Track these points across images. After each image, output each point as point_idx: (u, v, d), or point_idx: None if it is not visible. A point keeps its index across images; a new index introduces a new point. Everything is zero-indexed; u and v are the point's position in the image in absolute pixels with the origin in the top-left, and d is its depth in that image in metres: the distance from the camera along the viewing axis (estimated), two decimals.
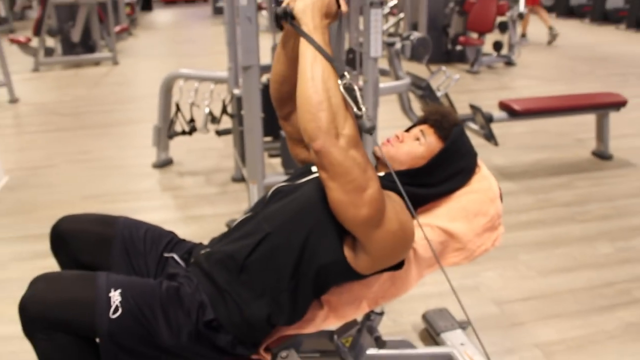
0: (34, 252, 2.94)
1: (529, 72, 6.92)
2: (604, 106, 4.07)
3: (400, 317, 2.49)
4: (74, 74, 7.50)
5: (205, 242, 1.81)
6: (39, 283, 1.42)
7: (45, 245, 1.78)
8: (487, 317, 2.51)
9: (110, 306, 1.40)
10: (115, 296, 1.42)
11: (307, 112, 1.35)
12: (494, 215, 1.72)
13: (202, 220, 3.34)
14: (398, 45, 3.51)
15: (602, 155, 4.28)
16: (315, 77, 1.35)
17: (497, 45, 7.19)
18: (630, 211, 3.50)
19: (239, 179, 3.86)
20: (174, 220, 3.32)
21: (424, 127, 1.75)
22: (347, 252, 1.58)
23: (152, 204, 3.53)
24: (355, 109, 1.34)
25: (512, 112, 3.85)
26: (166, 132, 3.97)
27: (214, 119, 3.81)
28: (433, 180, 1.72)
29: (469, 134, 4.41)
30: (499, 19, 7.35)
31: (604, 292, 2.70)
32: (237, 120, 3.42)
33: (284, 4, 1.46)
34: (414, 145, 1.71)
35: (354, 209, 1.37)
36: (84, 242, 1.74)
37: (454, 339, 2.24)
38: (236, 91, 3.45)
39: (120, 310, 1.40)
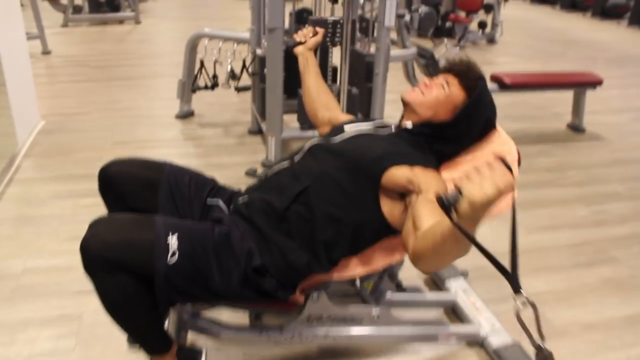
0: (72, 191, 2.79)
1: (509, 50, 6.75)
2: (582, 84, 3.95)
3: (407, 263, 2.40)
4: (100, 31, 7.19)
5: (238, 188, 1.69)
6: (100, 225, 1.29)
7: (83, 184, 1.65)
8: (483, 267, 2.42)
9: (168, 250, 1.28)
10: (173, 240, 1.30)
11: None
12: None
13: (221, 168, 3.20)
14: (407, 17, 3.34)
15: (576, 128, 4.18)
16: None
17: (482, 24, 6.98)
18: (603, 179, 3.42)
19: (255, 131, 3.71)
20: (196, 166, 3.11)
21: (449, 76, 1.61)
22: (385, 209, 1.47)
23: (176, 151, 3.38)
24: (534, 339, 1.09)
25: (503, 85, 3.73)
26: (190, 86, 3.79)
27: (234, 76, 3.64)
28: (458, 132, 1.60)
29: None
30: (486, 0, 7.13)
31: (583, 249, 2.63)
32: (258, 78, 3.25)
33: (453, 191, 1.04)
34: (439, 92, 1.58)
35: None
36: (132, 184, 1.60)
37: (456, 285, 2.16)
38: (259, 51, 3.27)
39: (177, 255, 1.28)
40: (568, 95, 4.16)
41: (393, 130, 1.64)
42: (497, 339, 1.91)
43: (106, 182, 1.62)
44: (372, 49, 3.11)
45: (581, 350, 2.00)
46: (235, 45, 3.55)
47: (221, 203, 1.61)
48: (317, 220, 1.45)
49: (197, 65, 3.71)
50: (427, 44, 5.14)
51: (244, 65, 3.62)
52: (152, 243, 1.27)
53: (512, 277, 1.06)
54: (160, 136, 3.60)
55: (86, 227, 1.29)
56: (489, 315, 2.02)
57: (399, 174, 1.44)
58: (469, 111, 1.58)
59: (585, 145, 3.94)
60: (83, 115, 3.92)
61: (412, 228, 1.30)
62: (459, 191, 1.02)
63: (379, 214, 1.47)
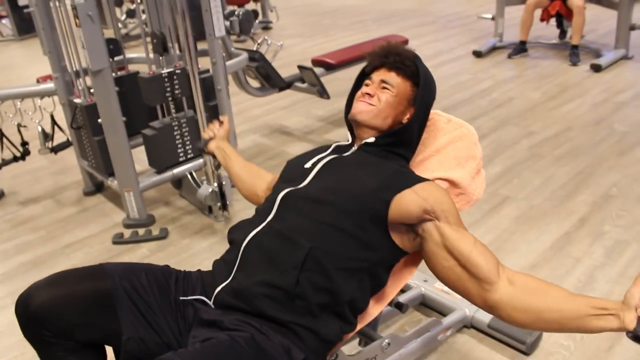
0: None
1: (288, 32, 6.85)
2: None
3: None
4: None
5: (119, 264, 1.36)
6: None
7: None
8: None
9: None
10: None
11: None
12: (480, 157, 1.56)
13: (81, 245, 2.68)
14: (226, 23, 3.12)
15: None
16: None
17: (255, 13, 6.95)
18: None
19: (92, 191, 3.18)
20: (50, 255, 2.62)
21: (382, 72, 1.46)
22: (397, 240, 1.32)
23: (11, 245, 2.73)
24: None
25: (328, 66, 3.73)
26: None
27: (47, 137, 3.07)
28: (419, 126, 1.50)
29: (299, 95, 4.29)
30: None
31: (482, 199, 2.72)
32: (89, 129, 2.76)
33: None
34: (386, 95, 1.44)
35: None
36: (73, 312, 1.22)
37: (415, 279, 2.09)
38: (77, 100, 2.78)
39: None
40: None
41: (355, 149, 1.47)
42: (484, 313, 1.90)
43: (33, 323, 1.21)
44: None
45: None
46: (39, 101, 2.97)
47: (206, 299, 1.29)
48: (336, 282, 1.23)
49: None
50: (247, 45, 4.94)
51: (53, 122, 3.06)
52: None
53: None
54: None
55: None
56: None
57: (405, 202, 1.27)
58: (424, 98, 1.46)
59: None
60: None
61: (467, 274, 1.24)
62: None
63: (392, 246, 1.31)
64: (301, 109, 4.26)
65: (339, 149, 1.48)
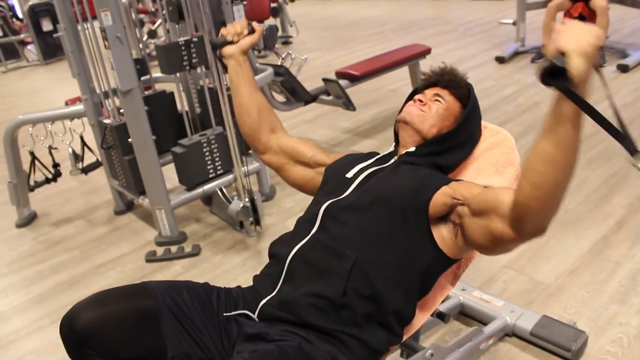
0: None
1: (308, 46, 6.89)
2: (415, 57, 4.12)
3: None
4: None
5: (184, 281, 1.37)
6: None
7: None
8: None
9: None
10: None
11: (552, 203, 1.06)
12: (518, 163, 1.55)
13: (115, 264, 2.71)
14: None
15: None
16: (573, 163, 1.03)
17: (275, 28, 7.01)
18: None
19: (122, 210, 3.22)
20: (85, 275, 2.65)
21: (437, 89, 1.50)
22: (438, 240, 1.30)
23: (47, 266, 2.77)
24: None
25: (353, 78, 3.73)
26: (26, 185, 3.16)
27: (77, 158, 3.11)
28: (459, 142, 1.49)
29: (323, 108, 4.30)
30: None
31: None
32: (119, 149, 2.80)
33: (552, 54, 0.94)
34: (438, 106, 1.47)
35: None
36: (117, 330, 1.22)
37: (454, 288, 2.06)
38: (107, 121, 2.82)
39: None
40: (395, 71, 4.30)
41: (396, 159, 1.47)
42: (525, 320, 1.87)
43: (79, 342, 1.21)
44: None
45: (585, 297, 2.04)
46: (69, 122, 3.02)
47: (250, 313, 1.29)
48: (382, 292, 1.23)
49: (28, 158, 3.09)
50: (272, 60, 5.01)
51: (83, 143, 3.11)
52: None
53: (628, 140, 0.97)
54: (14, 254, 2.93)
55: None
56: (499, 302, 1.97)
57: (441, 195, 1.28)
58: (469, 119, 1.48)
59: None
60: None
61: (491, 214, 1.17)
62: (560, 54, 0.92)
63: (436, 250, 1.30)
64: (326, 121, 4.27)
65: (380, 160, 1.48)
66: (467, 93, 1.49)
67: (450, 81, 1.50)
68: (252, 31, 1.54)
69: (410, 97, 1.56)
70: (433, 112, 1.45)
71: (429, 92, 1.50)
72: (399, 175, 1.36)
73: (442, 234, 1.30)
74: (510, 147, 1.55)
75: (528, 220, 1.08)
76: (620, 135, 0.96)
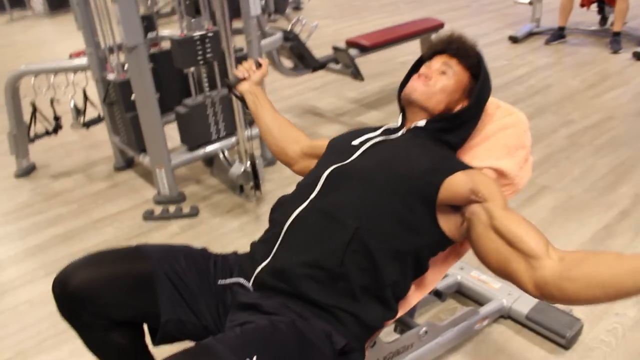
0: None
1: (319, 13, 6.77)
2: (427, 30, 4.04)
3: None
4: None
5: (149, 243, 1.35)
6: None
7: None
8: None
9: None
10: None
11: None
12: (529, 146, 1.51)
13: (112, 220, 2.69)
14: (262, 1, 3.08)
15: None
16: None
17: None
18: None
19: (123, 167, 3.19)
20: (82, 229, 2.63)
21: (444, 58, 1.44)
22: (443, 225, 1.27)
23: (44, 218, 2.76)
24: None
25: (363, 48, 3.66)
26: (26, 136, 3.12)
27: (79, 112, 3.07)
28: (470, 117, 1.45)
29: (330, 76, 4.24)
30: None
31: None
32: (121, 106, 2.75)
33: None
34: (444, 80, 1.41)
35: None
36: (112, 291, 1.20)
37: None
38: (110, 76, 2.77)
39: None
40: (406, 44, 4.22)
41: (404, 132, 1.43)
42: (521, 303, 1.86)
43: (71, 303, 1.20)
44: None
45: None
46: (73, 76, 2.97)
47: (243, 280, 1.26)
48: (380, 264, 1.20)
49: (29, 110, 3.05)
50: (281, 24, 4.91)
51: (85, 97, 3.06)
52: None
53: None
54: (11, 205, 2.91)
55: None
56: (497, 284, 1.95)
57: (456, 184, 1.24)
58: (482, 93, 1.43)
59: None
60: None
61: (514, 252, 1.14)
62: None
63: (439, 231, 1.27)
64: (333, 90, 4.21)
65: (388, 131, 1.44)
66: (476, 63, 1.43)
67: (458, 49, 1.43)
68: (259, 65, 1.69)
69: (415, 66, 1.51)
70: (439, 88, 1.39)
71: (436, 61, 1.43)
72: (410, 151, 1.32)
73: (448, 219, 1.27)
74: (524, 129, 1.50)
75: (553, 300, 1.10)
76: None
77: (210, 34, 2.55)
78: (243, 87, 1.65)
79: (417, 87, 1.39)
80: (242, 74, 1.66)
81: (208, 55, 2.58)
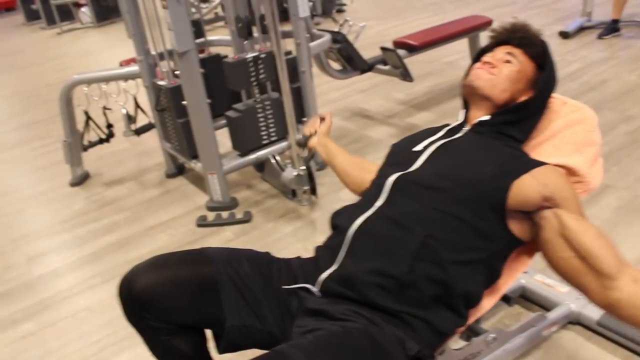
0: None
1: (362, 15, 6.72)
2: (475, 29, 3.95)
3: None
4: None
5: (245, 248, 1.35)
6: None
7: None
8: None
9: None
10: None
11: None
12: (599, 143, 1.44)
13: (165, 227, 2.71)
14: (309, 3, 3.06)
15: None
16: None
17: None
18: None
19: (174, 173, 3.22)
20: (137, 236, 2.66)
21: (509, 48, 1.39)
22: (515, 229, 1.22)
23: (100, 225, 2.80)
24: None
25: (411, 48, 3.60)
26: (80, 144, 3.19)
27: (130, 119, 3.11)
28: (536, 109, 1.39)
29: (378, 78, 4.20)
30: None
31: None
32: (173, 112, 2.77)
33: None
34: (510, 67, 1.36)
35: None
36: (175, 295, 1.19)
37: None
38: (161, 82, 2.79)
39: None
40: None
41: (467, 129, 1.38)
42: (592, 309, 1.77)
43: (137, 305, 1.19)
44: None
45: None
46: (123, 83, 3.01)
47: (309, 286, 1.23)
48: (451, 274, 1.15)
49: (83, 118, 3.10)
50: (327, 26, 4.91)
51: (136, 104, 3.11)
52: None
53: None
54: (68, 213, 2.97)
55: None
56: (564, 288, 1.87)
57: (524, 189, 1.19)
58: (548, 83, 1.37)
59: None
60: None
61: (587, 267, 1.12)
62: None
63: (510, 236, 1.22)
64: (380, 92, 4.16)
65: (451, 131, 1.39)
66: (541, 52, 1.38)
67: (523, 39, 1.39)
68: (323, 119, 1.78)
69: (477, 57, 1.46)
70: (504, 76, 1.34)
71: (499, 52, 1.39)
72: (475, 154, 1.27)
73: (519, 221, 1.22)
74: (593, 126, 1.43)
75: (623, 320, 1.09)
76: None
77: (262, 55, 2.57)
78: (313, 142, 1.73)
79: (481, 75, 1.35)
80: (309, 131, 1.76)
81: (261, 77, 2.62)
